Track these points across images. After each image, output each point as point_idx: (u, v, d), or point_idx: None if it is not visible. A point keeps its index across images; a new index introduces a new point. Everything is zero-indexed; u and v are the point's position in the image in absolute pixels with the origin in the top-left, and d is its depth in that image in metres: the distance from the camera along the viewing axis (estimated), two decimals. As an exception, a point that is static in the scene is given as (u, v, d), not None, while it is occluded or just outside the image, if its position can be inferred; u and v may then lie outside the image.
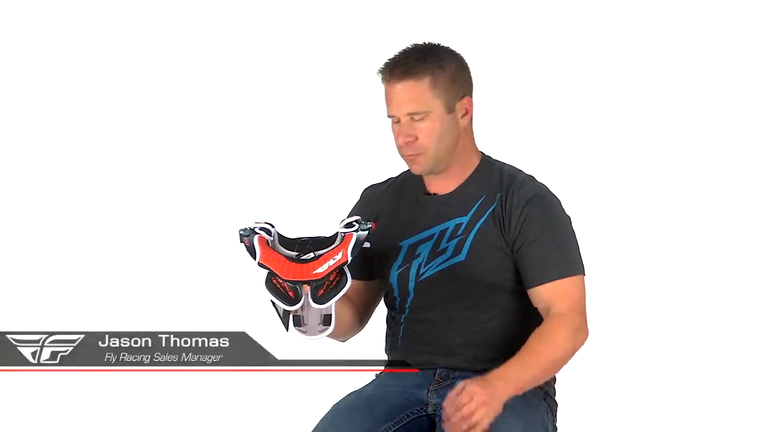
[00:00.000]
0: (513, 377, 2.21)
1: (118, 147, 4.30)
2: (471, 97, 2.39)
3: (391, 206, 2.47)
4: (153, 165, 4.30)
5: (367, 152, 3.85)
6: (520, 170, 2.43)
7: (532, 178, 2.41)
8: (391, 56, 2.37)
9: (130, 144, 4.30)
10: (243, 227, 2.21)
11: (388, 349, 2.48)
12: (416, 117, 2.32)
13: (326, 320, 2.23)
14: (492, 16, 4.18)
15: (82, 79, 4.28)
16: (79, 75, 4.28)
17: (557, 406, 2.43)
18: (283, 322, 2.22)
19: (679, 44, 4.17)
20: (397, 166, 2.54)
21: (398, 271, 2.40)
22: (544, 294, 2.32)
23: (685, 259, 4.17)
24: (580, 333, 2.31)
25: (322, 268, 2.15)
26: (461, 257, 2.35)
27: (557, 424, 2.42)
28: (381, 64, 2.36)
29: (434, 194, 2.43)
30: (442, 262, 2.36)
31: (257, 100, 4.28)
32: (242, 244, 2.19)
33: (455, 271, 2.33)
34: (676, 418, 4.09)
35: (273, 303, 2.21)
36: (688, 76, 4.18)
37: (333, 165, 4.19)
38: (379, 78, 2.37)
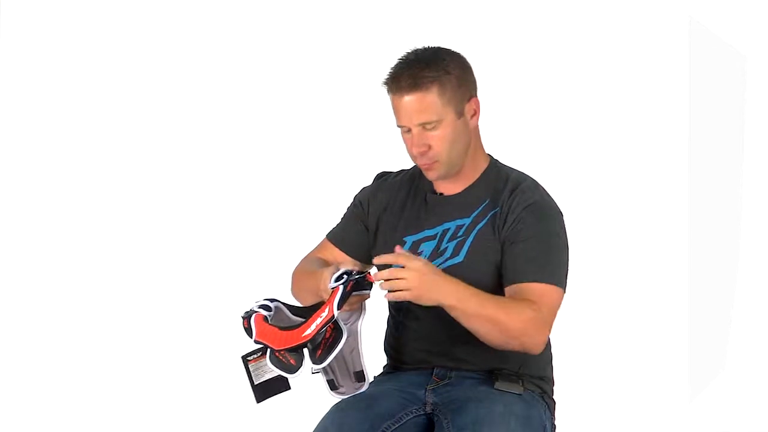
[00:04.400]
0: (463, 296, 2.20)
1: (118, 148, 4.32)
2: (476, 96, 2.39)
3: (400, 199, 2.48)
4: (152, 175, 4.31)
5: (369, 154, 3.86)
6: (528, 176, 2.43)
7: (537, 185, 2.41)
8: (394, 65, 2.34)
9: (131, 145, 4.32)
10: (245, 311, 2.27)
11: (387, 347, 2.50)
12: (428, 126, 2.32)
13: (359, 377, 2.30)
14: (492, 15, 4.20)
15: (85, 82, 4.31)
16: (81, 77, 4.31)
17: (555, 404, 2.44)
18: (255, 395, 2.29)
19: (682, 45, 4.19)
20: (397, 167, 2.56)
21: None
22: (518, 292, 2.29)
23: (686, 261, 4.18)
24: (536, 330, 2.26)
25: (311, 329, 2.20)
26: (459, 258, 2.37)
27: (555, 422, 2.43)
28: (385, 75, 2.34)
29: (441, 194, 2.45)
30: (441, 263, 2.38)
31: (259, 102, 4.30)
32: (243, 326, 2.27)
33: (453, 272, 2.32)
34: (674, 418, 4.10)
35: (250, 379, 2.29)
36: (690, 75, 4.20)
37: (333, 167, 4.20)
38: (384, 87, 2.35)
